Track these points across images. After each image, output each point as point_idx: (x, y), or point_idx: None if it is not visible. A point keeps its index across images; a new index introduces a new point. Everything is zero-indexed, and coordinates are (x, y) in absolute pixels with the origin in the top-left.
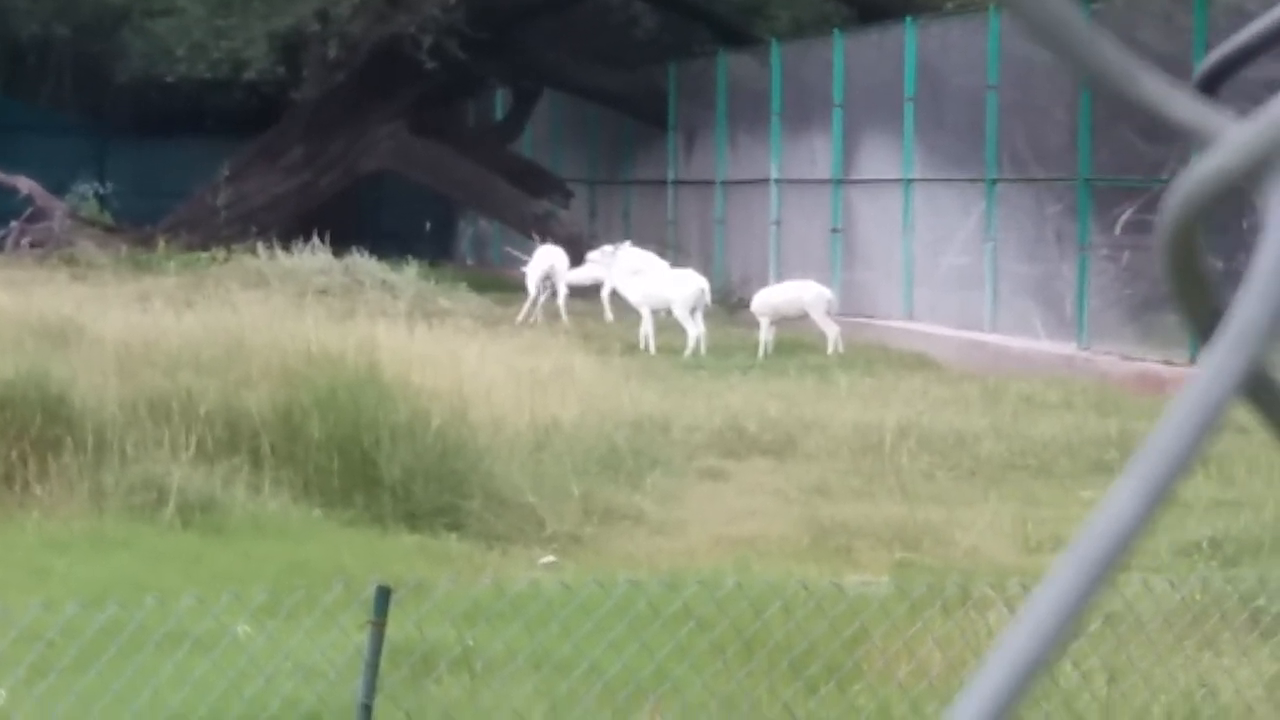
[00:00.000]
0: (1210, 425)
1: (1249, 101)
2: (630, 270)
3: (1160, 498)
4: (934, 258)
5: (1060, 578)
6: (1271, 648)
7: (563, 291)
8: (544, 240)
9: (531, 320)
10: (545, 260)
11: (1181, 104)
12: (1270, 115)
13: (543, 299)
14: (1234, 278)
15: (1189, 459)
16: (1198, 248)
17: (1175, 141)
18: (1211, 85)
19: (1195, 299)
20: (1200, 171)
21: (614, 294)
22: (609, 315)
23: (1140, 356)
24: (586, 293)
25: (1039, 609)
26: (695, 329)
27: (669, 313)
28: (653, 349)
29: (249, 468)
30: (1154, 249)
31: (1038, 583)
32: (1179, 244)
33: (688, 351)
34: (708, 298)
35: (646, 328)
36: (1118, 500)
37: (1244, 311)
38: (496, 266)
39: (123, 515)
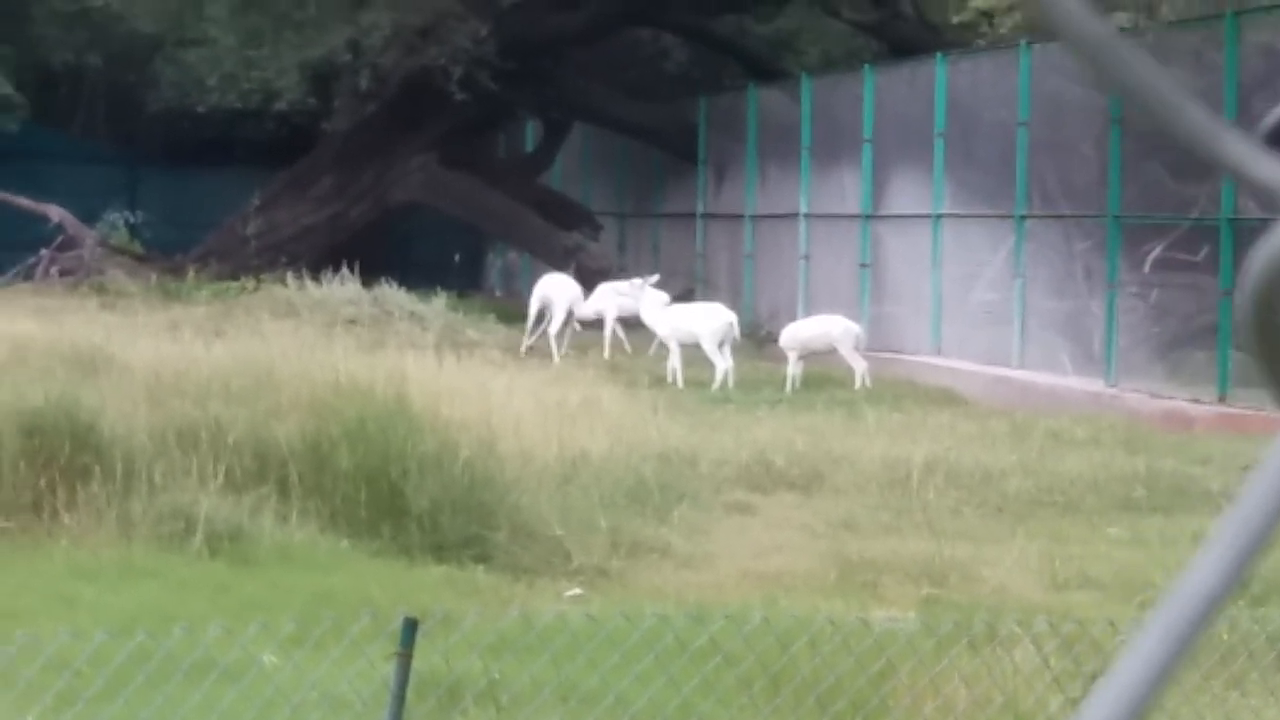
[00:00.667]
0: None
1: None
2: (656, 303)
3: (1243, 564)
4: (963, 293)
5: (1144, 644)
6: None
7: (558, 321)
8: (576, 273)
9: (529, 347)
10: (542, 289)
11: (1264, 164)
12: None
13: (546, 328)
14: None
15: (1271, 528)
16: None
17: (1205, 179)
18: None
19: (1278, 361)
20: None
21: (627, 327)
22: (607, 350)
23: (1168, 394)
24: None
25: (1122, 678)
26: (723, 363)
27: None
28: (680, 383)
29: (277, 498)
30: (1236, 312)
31: (1065, 620)
32: (1262, 307)
33: (715, 385)
34: (736, 331)
35: (675, 361)
36: (1199, 570)
37: None
38: (525, 298)
39: (151, 544)
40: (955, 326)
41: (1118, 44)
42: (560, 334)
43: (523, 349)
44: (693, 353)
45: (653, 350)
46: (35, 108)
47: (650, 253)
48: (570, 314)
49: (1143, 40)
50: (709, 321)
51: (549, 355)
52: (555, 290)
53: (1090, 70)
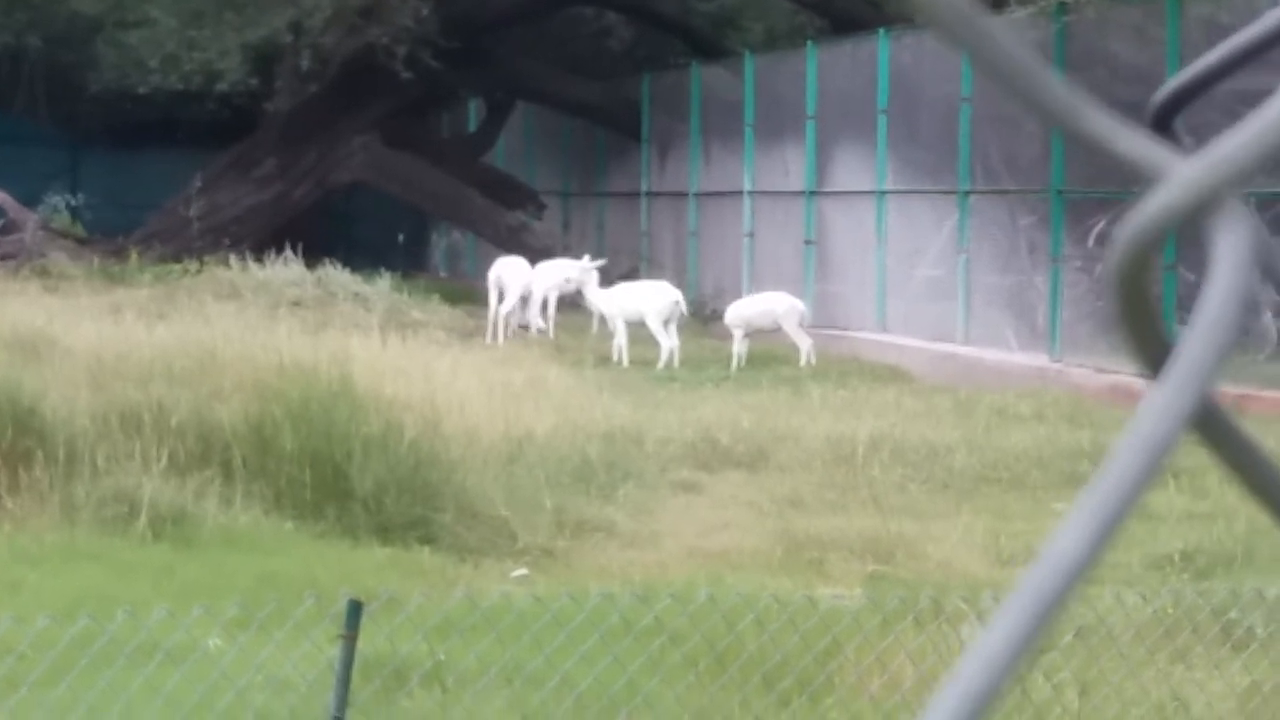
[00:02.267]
0: (1157, 462)
1: (1223, 113)
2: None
3: (1108, 534)
4: (907, 270)
5: (1008, 614)
6: (1243, 661)
7: (510, 302)
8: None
9: (507, 335)
10: (497, 270)
11: (1128, 140)
12: (1216, 154)
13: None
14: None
15: (1137, 495)
16: (1147, 282)
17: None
18: (1170, 113)
19: (1145, 335)
20: (1148, 208)
21: (570, 306)
22: (536, 327)
23: (1113, 369)
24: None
25: (988, 643)
26: (669, 341)
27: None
28: (626, 362)
29: (221, 480)
30: (1103, 282)
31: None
32: (1128, 278)
33: (661, 364)
34: (683, 309)
35: (620, 340)
36: (1065, 537)
37: (1191, 350)
38: (469, 278)
39: (94, 528)
40: (900, 303)
41: (979, 18)
42: (510, 315)
43: (494, 339)
44: (638, 332)
45: (595, 329)
46: None
47: (595, 231)
48: (527, 296)
49: (1084, 15)
50: (655, 300)
51: (530, 338)
52: (508, 271)
53: (952, 46)
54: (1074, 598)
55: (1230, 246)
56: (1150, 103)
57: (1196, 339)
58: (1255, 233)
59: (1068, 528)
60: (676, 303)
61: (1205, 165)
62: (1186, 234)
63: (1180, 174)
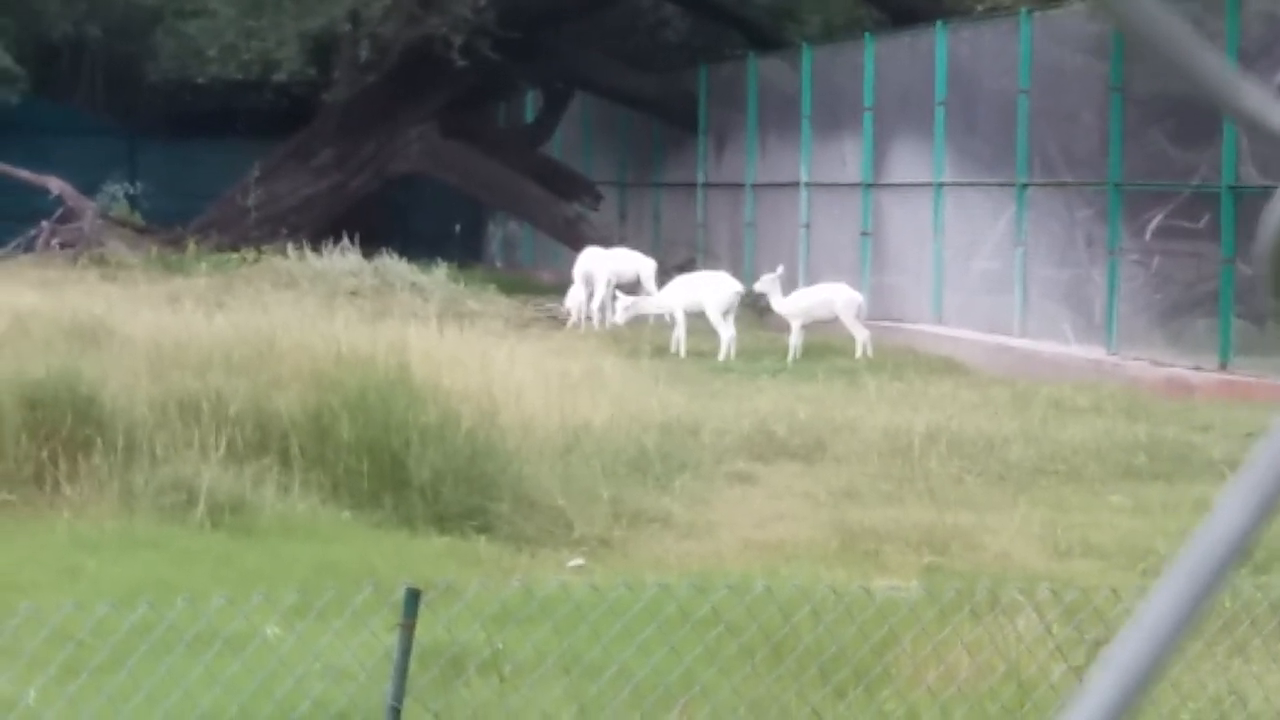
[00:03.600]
0: None
1: None
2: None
3: (1267, 510)
4: (964, 262)
5: (1169, 586)
6: None
7: (600, 294)
8: (579, 244)
9: (585, 323)
10: (584, 262)
11: None
12: None
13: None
14: None
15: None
16: None
17: (1206, 147)
18: None
19: None
20: None
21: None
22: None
23: (1169, 362)
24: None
25: (1150, 617)
26: (728, 332)
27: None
28: (683, 353)
29: (279, 469)
30: (1255, 261)
31: (1068, 588)
32: (1278, 256)
33: (720, 355)
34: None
35: (679, 331)
36: (1223, 512)
37: None
38: (526, 268)
39: (153, 516)
40: (956, 295)
41: None
42: (602, 307)
43: (572, 323)
44: (694, 323)
45: (652, 320)
46: (35, 80)
47: (651, 222)
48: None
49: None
50: (715, 291)
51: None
52: (596, 262)
53: (1110, 19)
54: (1233, 571)
55: None
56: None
57: None
58: None
59: (1227, 501)
60: (736, 294)
61: None
62: (1244, 228)
63: None
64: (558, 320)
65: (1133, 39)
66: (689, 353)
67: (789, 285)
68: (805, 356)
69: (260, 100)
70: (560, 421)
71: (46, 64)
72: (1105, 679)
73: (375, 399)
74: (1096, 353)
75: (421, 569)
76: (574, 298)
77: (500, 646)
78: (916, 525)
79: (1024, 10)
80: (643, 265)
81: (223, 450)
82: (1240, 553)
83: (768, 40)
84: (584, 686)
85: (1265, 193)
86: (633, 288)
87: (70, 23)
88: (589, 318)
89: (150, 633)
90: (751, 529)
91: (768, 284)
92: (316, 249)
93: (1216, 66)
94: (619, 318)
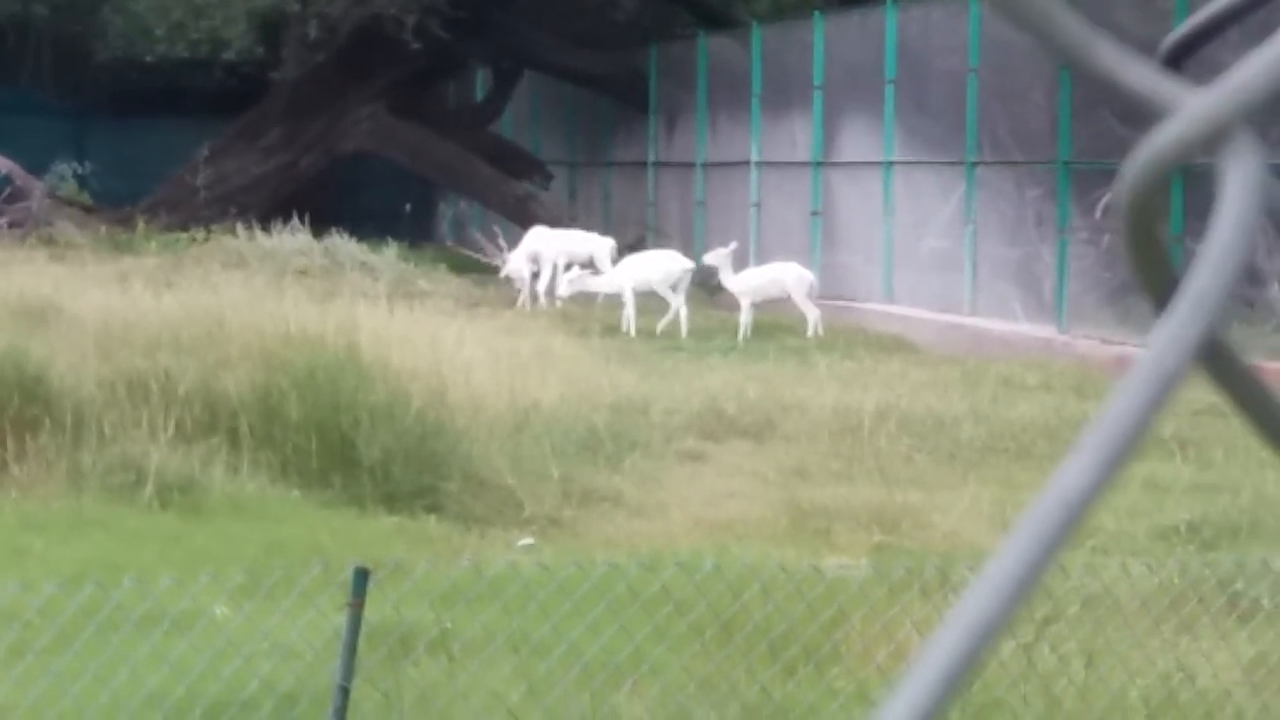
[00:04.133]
0: (1165, 394)
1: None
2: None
3: (1115, 467)
4: (914, 241)
5: (1014, 547)
6: (1249, 632)
7: (547, 273)
8: (528, 223)
9: (530, 304)
10: (530, 242)
11: (1137, 73)
12: (1227, 85)
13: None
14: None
15: (1144, 428)
16: (1156, 217)
17: (1155, 125)
18: (1177, 59)
19: (1152, 268)
20: (1158, 141)
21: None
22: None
23: (1119, 340)
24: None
25: (993, 578)
26: (677, 302)
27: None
28: (633, 331)
29: (227, 449)
30: (1112, 215)
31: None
32: (1137, 213)
33: (664, 321)
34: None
35: (629, 310)
36: (1072, 470)
37: (1199, 281)
38: (476, 248)
39: (101, 495)
40: (907, 274)
41: None
42: (550, 286)
43: (520, 305)
44: (645, 302)
45: (601, 299)
46: None
47: (601, 201)
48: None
49: None
50: (664, 269)
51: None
52: (543, 242)
53: None
54: (1078, 531)
55: (1240, 178)
56: (1161, 45)
57: (1204, 270)
58: (1264, 166)
59: (1074, 460)
60: (686, 270)
61: (1216, 97)
62: (1194, 205)
63: (1191, 106)
64: (488, 261)
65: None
66: (640, 332)
67: (739, 264)
68: (756, 335)
69: (209, 79)
70: (510, 401)
71: None
72: (945, 641)
73: (324, 378)
74: (1047, 331)
75: (370, 548)
76: (515, 270)
77: (449, 626)
78: (866, 504)
79: None
80: (597, 245)
81: (171, 430)
82: (1087, 512)
83: (717, 19)
84: (533, 665)
85: (1213, 171)
86: (587, 268)
87: (18, 1)
88: (535, 298)
89: (97, 613)
90: (702, 508)
91: (719, 258)
92: (266, 228)
93: (1069, 25)
94: (562, 290)
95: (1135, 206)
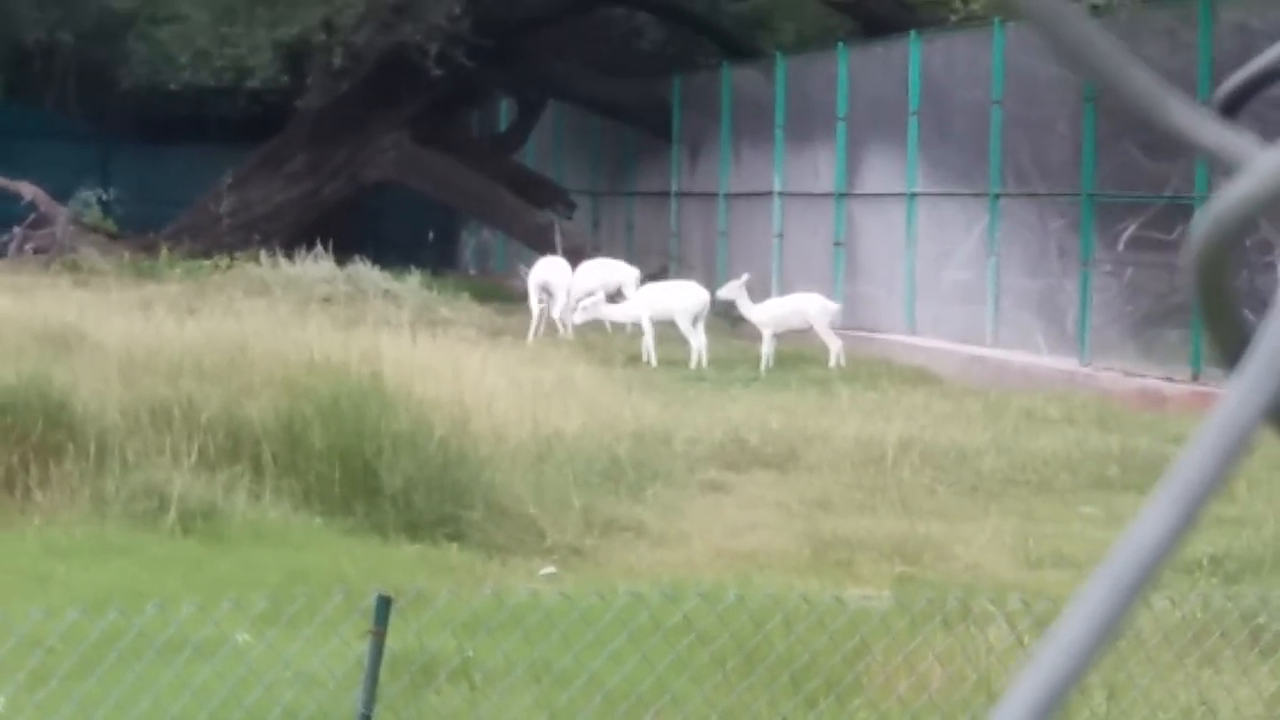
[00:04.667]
0: (1238, 449)
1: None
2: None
3: (1189, 520)
4: (937, 272)
5: (1091, 598)
6: (1271, 666)
7: (561, 302)
8: (550, 252)
9: (539, 335)
10: (543, 272)
11: (1210, 130)
12: None
13: (541, 310)
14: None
15: (1217, 481)
16: (1227, 271)
17: (1178, 158)
18: (1232, 108)
19: (1223, 322)
20: (1230, 196)
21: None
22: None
23: (1142, 373)
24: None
25: (1070, 628)
26: (698, 340)
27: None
28: (654, 361)
29: (250, 476)
30: (1184, 272)
31: (1039, 598)
32: (1208, 268)
33: (692, 364)
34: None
35: (648, 340)
36: (1147, 522)
37: (1269, 341)
38: (499, 276)
39: (124, 522)
40: (929, 305)
41: (1068, 11)
42: (564, 315)
43: (530, 338)
44: (665, 331)
45: (629, 330)
46: (7, 85)
47: (624, 231)
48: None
49: (1116, 19)
50: (683, 300)
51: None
52: (553, 273)
53: (1044, 38)
54: (1152, 585)
55: None
56: (1214, 97)
57: (1276, 330)
58: None
59: (1147, 516)
60: (705, 303)
61: None
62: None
63: (1262, 162)
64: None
65: (1062, 54)
66: (661, 361)
67: (761, 294)
68: (778, 366)
69: (233, 107)
70: (532, 430)
71: (19, 68)
72: (1022, 694)
73: (348, 406)
74: (1069, 363)
75: (393, 576)
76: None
77: (471, 654)
78: (889, 535)
79: (997, 20)
80: (625, 275)
81: (194, 457)
82: (1160, 567)
83: (741, 49)
84: (555, 695)
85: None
86: (614, 298)
87: (43, 28)
88: (556, 327)
89: (120, 639)
90: (724, 538)
91: (733, 290)
92: (289, 256)
93: (1143, 82)
94: (576, 318)
95: (1205, 261)
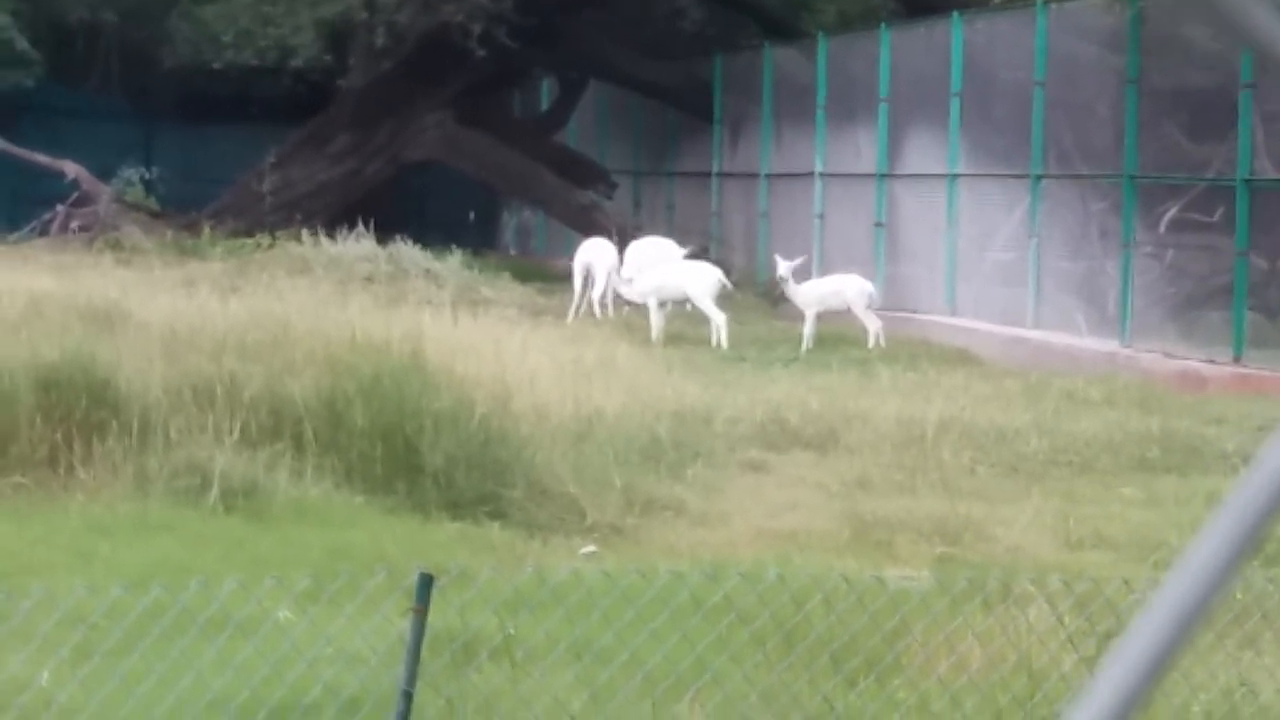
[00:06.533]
0: None
1: None
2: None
3: (1251, 542)
4: (978, 253)
5: (1151, 620)
6: None
7: (601, 284)
8: (594, 233)
9: (580, 315)
10: (587, 253)
11: None
12: None
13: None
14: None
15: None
16: None
17: (1221, 140)
18: None
19: None
20: None
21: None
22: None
23: (1183, 355)
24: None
25: (1131, 650)
26: (719, 316)
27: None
28: (659, 341)
29: (292, 454)
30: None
31: (1079, 579)
32: None
33: (713, 341)
34: (727, 286)
35: (655, 319)
36: (1208, 543)
37: None
38: (540, 256)
39: (166, 499)
40: (970, 286)
41: None
42: (603, 297)
43: (570, 318)
44: (682, 311)
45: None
46: (51, 64)
47: (665, 211)
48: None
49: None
50: (696, 280)
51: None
52: (596, 254)
53: (1198, 6)
54: (1218, 602)
55: None
56: None
57: None
58: None
59: (1209, 533)
60: (718, 281)
61: None
62: (1259, 222)
63: None
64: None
65: (1217, 23)
66: (695, 342)
67: (803, 275)
68: (819, 347)
69: (276, 86)
70: (573, 409)
71: (62, 48)
72: (1116, 670)
73: (389, 385)
74: (1110, 345)
75: (434, 554)
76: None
77: (512, 632)
78: (929, 515)
79: (1039, 1)
80: (675, 254)
81: (236, 435)
82: (1250, 549)
83: (783, 30)
84: (595, 673)
85: (1279, 186)
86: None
87: (86, 7)
88: (593, 308)
89: (163, 616)
90: (764, 518)
91: (786, 269)
92: (331, 235)
93: (1262, 13)
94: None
95: None
